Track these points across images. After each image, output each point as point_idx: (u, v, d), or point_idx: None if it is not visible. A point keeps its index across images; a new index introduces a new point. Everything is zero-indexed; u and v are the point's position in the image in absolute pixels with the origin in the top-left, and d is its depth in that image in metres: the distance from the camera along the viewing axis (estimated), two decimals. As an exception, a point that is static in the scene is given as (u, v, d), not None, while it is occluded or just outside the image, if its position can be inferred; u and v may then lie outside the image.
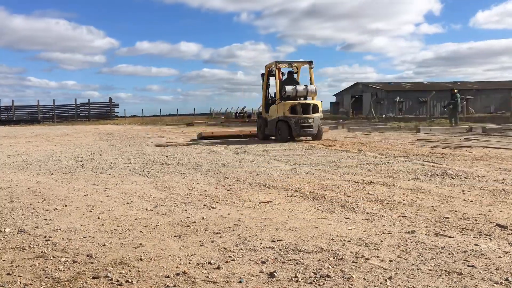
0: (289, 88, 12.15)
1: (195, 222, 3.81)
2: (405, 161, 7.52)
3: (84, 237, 3.43)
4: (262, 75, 13.63)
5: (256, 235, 3.38)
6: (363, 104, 45.58)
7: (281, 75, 12.83)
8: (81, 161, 8.66)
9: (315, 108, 12.10)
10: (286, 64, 13.05)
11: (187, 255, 2.97)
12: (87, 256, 2.99)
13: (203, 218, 3.94)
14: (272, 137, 12.90)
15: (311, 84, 12.65)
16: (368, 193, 4.92)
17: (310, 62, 12.86)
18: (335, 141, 12.04)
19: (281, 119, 12.03)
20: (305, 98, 12.34)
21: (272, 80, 13.27)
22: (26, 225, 3.83)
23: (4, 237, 3.47)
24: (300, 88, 12.31)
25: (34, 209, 4.45)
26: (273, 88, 13.17)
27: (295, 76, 13.16)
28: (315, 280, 2.49)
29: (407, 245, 3.09)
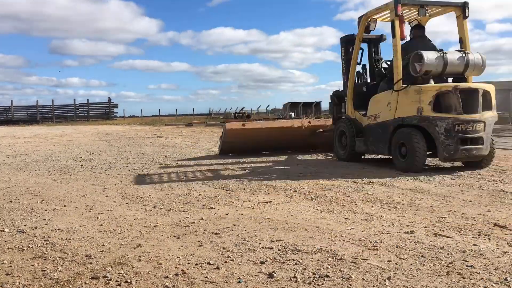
0: (430, 55, 6.03)
1: (194, 223, 3.81)
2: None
3: (83, 237, 3.43)
4: (345, 39, 8.07)
5: (255, 235, 3.38)
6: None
7: (404, 32, 6.51)
8: (80, 161, 8.66)
9: (487, 100, 6.17)
10: (415, 10, 6.79)
11: (186, 255, 2.97)
12: (86, 256, 2.98)
13: (202, 219, 3.94)
14: (381, 156, 7.43)
15: (462, 47, 6.58)
16: (367, 193, 4.92)
17: (463, 6, 6.57)
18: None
19: (407, 123, 6.17)
20: (461, 79, 6.40)
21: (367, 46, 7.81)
22: (25, 225, 3.82)
23: (2, 237, 3.47)
24: (454, 56, 6.20)
25: (32, 209, 4.44)
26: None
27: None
28: (314, 280, 2.49)
29: (406, 245, 3.09)
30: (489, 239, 3.21)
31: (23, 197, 5.06)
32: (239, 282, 2.51)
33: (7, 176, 6.82)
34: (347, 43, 7.94)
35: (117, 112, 46.70)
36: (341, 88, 8.08)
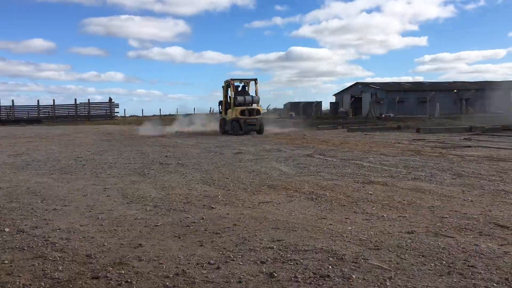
0: (240, 98, 17.16)
1: (194, 222, 3.80)
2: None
3: (84, 237, 3.42)
4: (223, 87, 18.50)
5: (256, 235, 3.38)
6: (363, 104, 45.54)
7: (235, 88, 17.52)
8: (81, 161, 8.65)
9: (258, 112, 17.36)
10: (239, 80, 18.02)
11: (187, 255, 2.96)
12: (87, 256, 2.98)
13: (202, 218, 3.93)
14: (229, 133, 17.17)
15: (256, 95, 17.70)
16: (368, 193, 4.91)
17: (255, 79, 17.82)
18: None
19: (234, 120, 16.86)
20: (251, 105, 17.22)
21: (229, 91, 17.98)
22: (26, 225, 3.82)
23: (3, 237, 3.47)
24: (248, 98, 17.37)
25: (33, 209, 4.44)
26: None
27: (246, 88, 18.00)
28: (314, 280, 2.48)
29: (407, 245, 3.08)
30: (490, 239, 3.20)
31: (24, 197, 5.06)
32: (240, 282, 2.50)
33: (8, 175, 6.82)
34: (223, 88, 18.46)
35: (118, 112, 46.69)
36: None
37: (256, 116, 16.92)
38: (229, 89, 17.82)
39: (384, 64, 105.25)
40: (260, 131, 16.95)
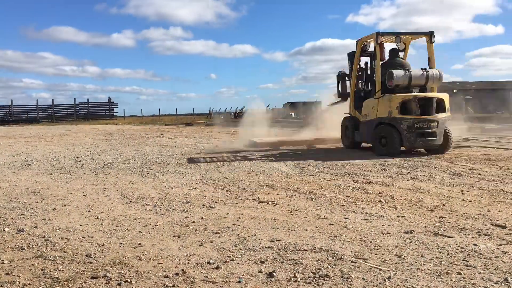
0: (398, 73, 8.27)
1: (194, 222, 3.81)
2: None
3: (83, 237, 3.43)
4: (350, 54, 10.06)
5: (255, 235, 3.38)
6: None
7: (384, 55, 8.78)
8: (80, 161, 8.66)
9: (441, 105, 8.22)
10: (393, 38, 8.94)
11: (186, 255, 2.97)
12: (86, 256, 2.98)
13: (202, 218, 3.94)
14: (371, 148, 8.96)
15: (430, 66, 8.71)
16: (367, 193, 4.92)
17: (431, 34, 8.77)
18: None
19: (384, 122, 8.25)
20: (423, 90, 8.56)
21: (365, 62, 9.92)
22: (25, 224, 3.82)
23: (3, 236, 3.47)
24: (417, 72, 8.38)
25: (33, 208, 4.44)
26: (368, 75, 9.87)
27: (401, 56, 9.23)
28: (314, 280, 2.49)
29: (406, 245, 3.09)
30: (489, 239, 3.21)
31: (23, 197, 5.07)
32: (239, 281, 2.51)
33: (7, 175, 6.82)
34: (352, 57, 9.95)
35: (117, 112, 46.66)
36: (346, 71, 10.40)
37: (438, 115, 8.10)
38: (365, 58, 9.88)
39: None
40: (443, 147, 8.27)
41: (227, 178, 6.10)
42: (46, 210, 4.39)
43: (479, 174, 6.04)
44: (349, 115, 9.84)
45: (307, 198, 4.75)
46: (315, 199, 4.69)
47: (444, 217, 3.83)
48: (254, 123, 14.84)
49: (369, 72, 9.92)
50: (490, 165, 6.81)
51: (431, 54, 8.84)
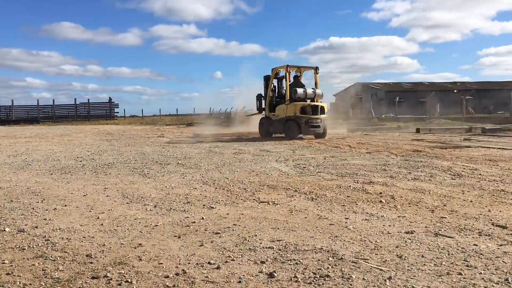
0: (300, 90, 13.42)
1: (194, 222, 3.81)
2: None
3: (84, 237, 3.43)
4: (265, 77, 15.09)
5: (256, 235, 3.38)
6: (363, 104, 45.56)
7: (290, 78, 14.09)
8: (81, 161, 8.66)
9: (323, 110, 13.52)
10: (295, 68, 14.14)
11: (187, 255, 2.97)
12: (87, 256, 2.98)
13: (202, 218, 3.94)
14: (279, 135, 13.93)
15: (316, 88, 13.99)
16: (368, 193, 4.92)
17: (316, 68, 14.29)
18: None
19: (291, 119, 13.26)
20: (312, 101, 13.67)
21: (276, 83, 14.96)
22: (26, 225, 3.82)
23: (3, 237, 3.47)
24: (310, 91, 13.62)
25: (33, 209, 4.44)
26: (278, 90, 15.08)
27: (300, 79, 14.28)
28: (314, 280, 2.49)
29: (406, 245, 3.09)
30: (489, 239, 3.21)
31: (24, 197, 5.07)
32: (240, 282, 2.51)
33: (8, 175, 6.83)
34: (266, 79, 15.13)
35: (117, 112, 46.74)
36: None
37: (321, 116, 13.26)
38: (276, 80, 14.68)
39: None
40: (323, 135, 13.45)
41: (227, 178, 6.10)
42: (46, 210, 4.39)
43: (480, 174, 6.04)
44: (265, 116, 14.86)
45: (308, 198, 4.75)
46: (316, 199, 4.69)
47: (445, 217, 3.82)
48: (204, 124, 23.12)
49: (277, 89, 14.94)
50: (490, 165, 6.81)
51: (316, 80, 14.22)
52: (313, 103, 13.41)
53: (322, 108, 13.46)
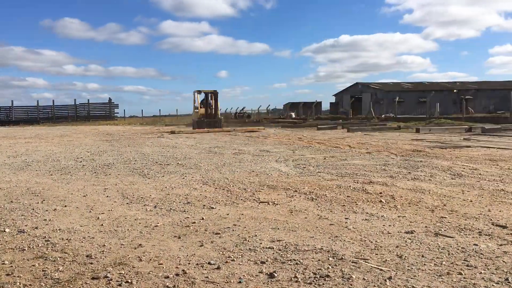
0: (202, 103, 23.15)
1: (194, 223, 3.81)
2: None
3: (84, 238, 3.43)
4: (195, 92, 23.43)
5: (256, 235, 3.38)
6: (363, 104, 45.57)
7: (198, 97, 23.10)
8: (81, 161, 8.66)
9: (216, 114, 23.07)
10: (207, 91, 23.37)
11: (187, 255, 2.97)
12: (87, 256, 2.98)
13: (202, 219, 3.94)
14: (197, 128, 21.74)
15: (214, 103, 23.21)
16: (368, 193, 4.92)
17: (217, 92, 23.29)
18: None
19: (199, 119, 22.37)
20: (210, 109, 23.06)
21: (197, 98, 23.74)
22: (26, 225, 3.82)
23: (3, 237, 3.47)
24: (210, 104, 23.14)
25: (33, 209, 4.44)
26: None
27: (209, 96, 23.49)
28: (314, 280, 2.49)
29: (406, 245, 3.09)
30: (490, 239, 3.21)
31: (24, 197, 5.07)
32: (240, 282, 2.51)
33: (8, 176, 6.83)
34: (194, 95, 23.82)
35: (117, 113, 46.76)
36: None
37: (215, 118, 22.65)
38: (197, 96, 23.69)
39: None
40: (218, 127, 21.46)
41: (227, 179, 6.10)
42: (46, 210, 4.39)
43: (480, 174, 6.04)
44: (196, 118, 23.14)
45: (308, 198, 4.75)
46: (316, 199, 4.69)
47: (445, 217, 3.82)
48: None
49: (197, 103, 23.25)
50: (490, 165, 6.81)
51: (216, 102, 23.22)
52: (210, 111, 22.81)
53: (216, 111, 23.12)
